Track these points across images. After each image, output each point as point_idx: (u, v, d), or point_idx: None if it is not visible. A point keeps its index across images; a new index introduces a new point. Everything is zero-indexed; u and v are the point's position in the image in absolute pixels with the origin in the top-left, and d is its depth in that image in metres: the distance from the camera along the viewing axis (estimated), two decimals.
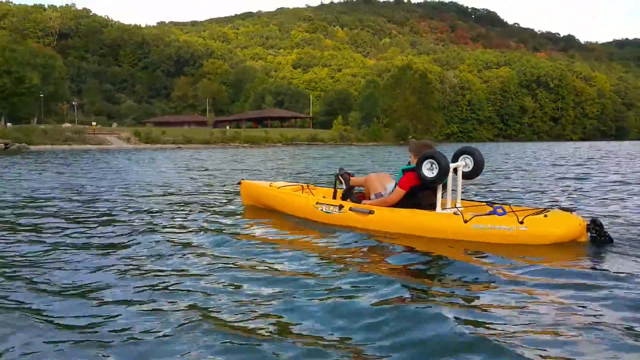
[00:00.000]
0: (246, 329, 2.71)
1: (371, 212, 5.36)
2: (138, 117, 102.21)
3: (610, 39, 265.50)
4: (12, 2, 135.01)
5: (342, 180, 6.34)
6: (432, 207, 5.24)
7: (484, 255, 4.27)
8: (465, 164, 5.32)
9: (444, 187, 5.23)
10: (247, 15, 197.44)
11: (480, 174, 5.44)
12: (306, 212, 6.14)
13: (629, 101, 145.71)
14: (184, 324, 2.75)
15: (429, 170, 4.93)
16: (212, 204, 7.97)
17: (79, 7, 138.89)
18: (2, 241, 5.04)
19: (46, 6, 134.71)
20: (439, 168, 4.86)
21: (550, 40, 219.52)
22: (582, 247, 4.54)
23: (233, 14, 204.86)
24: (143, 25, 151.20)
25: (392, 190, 5.47)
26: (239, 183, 7.59)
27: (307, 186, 7.12)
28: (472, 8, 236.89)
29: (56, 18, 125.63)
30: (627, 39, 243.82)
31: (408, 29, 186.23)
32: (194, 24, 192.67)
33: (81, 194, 9.43)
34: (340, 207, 5.67)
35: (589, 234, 4.62)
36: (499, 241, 4.60)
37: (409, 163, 5.46)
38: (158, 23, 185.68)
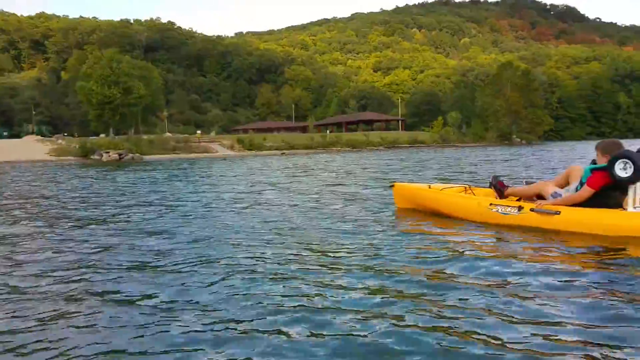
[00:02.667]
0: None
1: (557, 213, 5.19)
2: (223, 125, 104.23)
3: None
4: (98, 18, 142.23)
5: (497, 190, 6.26)
6: (618, 206, 5.17)
7: None
8: None
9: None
10: (323, 22, 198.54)
11: None
12: (479, 214, 5.93)
13: None
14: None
15: (622, 170, 4.89)
16: (367, 207, 7.67)
17: (164, 20, 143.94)
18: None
19: (132, 20, 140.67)
20: (634, 167, 4.80)
21: (637, 34, 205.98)
22: None
23: (308, 21, 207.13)
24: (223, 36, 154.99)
25: (578, 189, 5.33)
26: (392, 186, 7.51)
27: (469, 187, 6.82)
28: (551, 4, 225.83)
29: (143, 32, 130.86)
30: None
31: (487, 28, 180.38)
32: (270, 32, 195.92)
33: (268, 205, 8.53)
34: (520, 208, 5.49)
35: None
36: None
37: (594, 162, 5.34)
38: (236, 34, 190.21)
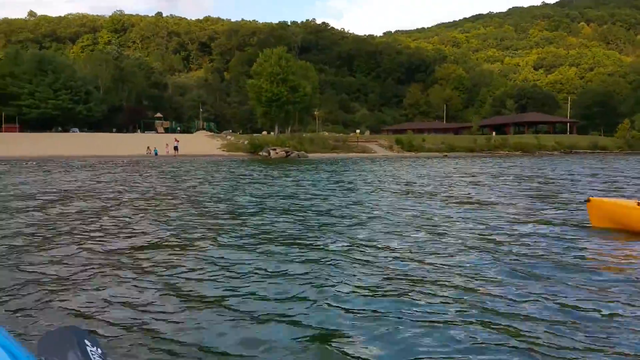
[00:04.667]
0: None
1: None
2: (371, 125, 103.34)
3: None
4: (258, 21, 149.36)
5: None
6: None
7: None
8: None
9: None
10: (477, 18, 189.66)
11: None
12: None
13: None
14: None
15: None
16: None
17: (319, 21, 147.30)
18: None
19: (289, 22, 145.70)
20: None
21: None
22: None
23: (461, 18, 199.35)
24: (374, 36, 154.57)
25: None
26: (587, 201, 6.64)
27: None
28: None
29: (298, 33, 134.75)
30: None
31: None
32: (420, 30, 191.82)
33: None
34: None
35: None
36: None
37: None
38: (385, 33, 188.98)
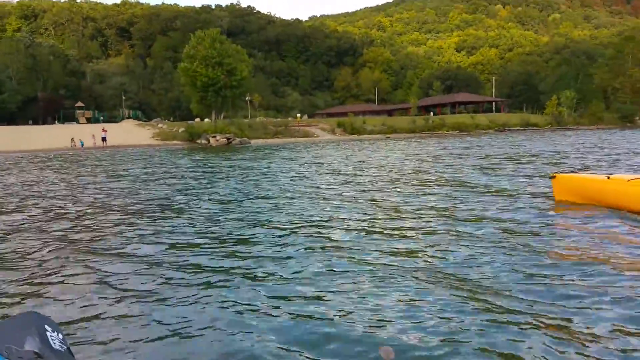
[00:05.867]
0: None
1: None
2: (303, 109, 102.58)
3: None
4: (179, 4, 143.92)
5: None
6: None
7: None
8: None
9: None
10: (399, 2, 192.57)
11: None
12: None
13: None
14: None
15: None
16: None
17: (244, 5, 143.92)
18: None
19: (213, 6, 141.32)
20: None
21: None
22: None
23: (384, 2, 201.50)
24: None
25: None
26: (552, 177, 6.62)
27: None
28: None
29: (224, 17, 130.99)
30: None
31: (578, 2, 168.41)
32: (345, 15, 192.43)
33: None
34: None
35: None
36: None
37: None
38: (310, 17, 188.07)
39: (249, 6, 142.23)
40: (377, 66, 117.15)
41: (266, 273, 4.07)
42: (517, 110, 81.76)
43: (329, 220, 6.07)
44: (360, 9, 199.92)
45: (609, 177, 6.06)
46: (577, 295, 3.31)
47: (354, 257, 4.31)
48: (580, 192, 6.19)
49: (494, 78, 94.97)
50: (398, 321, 3.00)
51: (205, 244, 5.16)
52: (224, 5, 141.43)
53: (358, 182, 10.28)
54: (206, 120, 51.26)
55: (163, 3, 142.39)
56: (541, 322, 2.92)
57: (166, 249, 4.99)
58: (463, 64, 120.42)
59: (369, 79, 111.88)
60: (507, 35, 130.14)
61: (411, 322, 2.97)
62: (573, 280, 3.61)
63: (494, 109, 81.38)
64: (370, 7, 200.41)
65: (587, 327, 2.84)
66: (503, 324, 2.91)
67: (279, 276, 3.96)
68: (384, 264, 4.10)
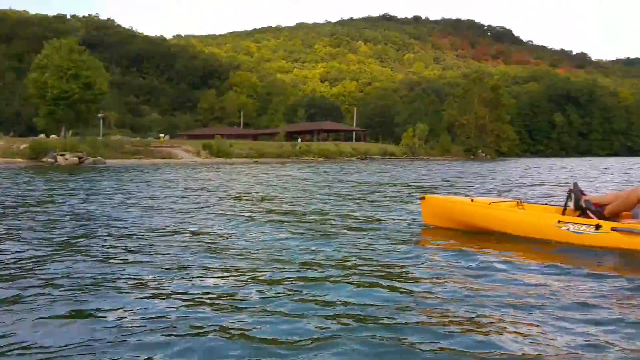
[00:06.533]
0: None
1: None
2: (162, 130, 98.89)
3: (613, 57, 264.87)
4: (28, 11, 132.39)
5: (576, 197, 5.51)
6: None
7: None
8: None
9: None
10: (267, 30, 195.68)
11: None
12: (541, 232, 5.37)
13: None
14: None
15: None
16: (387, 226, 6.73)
17: (103, 17, 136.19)
18: None
19: (68, 16, 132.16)
20: None
21: (566, 57, 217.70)
22: None
23: (252, 28, 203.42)
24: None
25: None
26: (422, 199, 6.54)
27: (520, 202, 6.18)
28: (489, 25, 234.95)
29: (80, 28, 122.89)
30: (628, 57, 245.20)
31: (429, 45, 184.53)
32: (213, 37, 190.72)
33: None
34: (598, 226, 4.97)
35: None
36: None
37: None
38: (175, 36, 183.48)
39: (108, 19, 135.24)
40: (243, 90, 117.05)
41: None
42: (372, 140, 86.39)
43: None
44: (229, 33, 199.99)
45: (472, 200, 6.27)
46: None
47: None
48: (446, 214, 6.32)
49: (355, 109, 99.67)
50: None
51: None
52: (80, 16, 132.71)
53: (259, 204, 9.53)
54: (52, 136, 46.61)
55: (10, 8, 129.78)
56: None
57: None
58: (326, 93, 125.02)
59: (234, 103, 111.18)
60: (367, 70, 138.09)
61: None
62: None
63: (354, 137, 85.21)
64: (238, 32, 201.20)
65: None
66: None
67: None
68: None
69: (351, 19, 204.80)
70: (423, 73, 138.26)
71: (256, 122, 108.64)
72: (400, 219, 7.39)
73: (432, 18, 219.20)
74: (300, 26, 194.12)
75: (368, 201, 10.35)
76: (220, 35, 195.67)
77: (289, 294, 3.54)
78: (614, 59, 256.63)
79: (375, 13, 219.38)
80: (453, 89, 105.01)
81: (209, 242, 5.60)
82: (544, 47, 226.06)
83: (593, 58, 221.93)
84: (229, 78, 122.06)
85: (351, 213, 8.21)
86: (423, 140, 74.20)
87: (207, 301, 3.43)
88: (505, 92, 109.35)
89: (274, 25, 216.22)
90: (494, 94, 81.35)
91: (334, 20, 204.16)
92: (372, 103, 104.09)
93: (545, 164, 45.24)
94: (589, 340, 2.71)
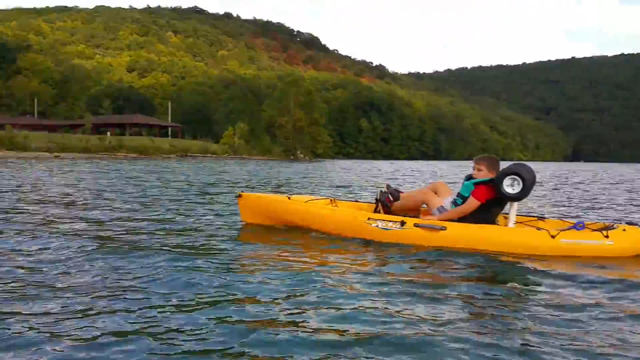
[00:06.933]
0: None
1: (444, 229, 5.10)
2: None
3: (406, 71, 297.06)
4: None
5: (391, 199, 5.85)
6: (493, 222, 5.34)
7: (576, 269, 4.31)
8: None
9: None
10: (62, 9, 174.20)
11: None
12: (353, 229, 5.59)
13: (442, 126, 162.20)
14: None
15: (509, 187, 5.00)
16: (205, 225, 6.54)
17: None
18: None
19: None
20: (523, 184, 4.95)
21: (367, 68, 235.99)
22: None
23: (44, 6, 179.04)
24: None
25: (459, 203, 5.38)
26: (239, 196, 6.43)
27: (334, 200, 6.45)
28: (298, 31, 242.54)
29: None
30: (418, 72, 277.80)
31: (243, 44, 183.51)
32: None
33: None
34: (403, 223, 5.26)
35: None
36: (587, 255, 4.74)
37: (472, 177, 5.41)
38: None
39: None
40: (36, 75, 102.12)
41: None
42: (190, 138, 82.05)
43: None
44: (14, 8, 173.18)
45: (289, 198, 6.23)
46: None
47: None
48: (264, 212, 6.28)
49: (169, 103, 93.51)
50: None
51: None
52: None
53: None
54: None
55: None
56: None
57: None
58: (135, 85, 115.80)
59: (24, 89, 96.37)
60: (179, 63, 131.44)
61: None
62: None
63: (170, 134, 79.74)
64: (26, 8, 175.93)
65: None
66: None
67: None
68: None
69: (159, 7, 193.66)
70: (239, 71, 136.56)
71: (54, 111, 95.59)
72: (219, 218, 7.17)
73: (243, 17, 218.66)
74: (101, 9, 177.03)
75: (187, 202, 9.50)
76: (3, 10, 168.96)
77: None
78: (407, 72, 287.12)
79: (184, 4, 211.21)
80: (270, 90, 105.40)
81: None
82: (349, 56, 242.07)
83: (390, 70, 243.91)
84: (17, 61, 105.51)
85: (166, 217, 7.34)
86: (244, 139, 72.63)
87: None
88: (318, 96, 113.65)
89: (70, 5, 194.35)
90: (309, 98, 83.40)
91: (139, 6, 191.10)
92: (188, 98, 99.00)
93: (356, 165, 49.22)
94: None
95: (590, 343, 2.67)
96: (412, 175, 26.81)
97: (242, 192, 6.62)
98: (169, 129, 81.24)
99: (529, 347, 2.59)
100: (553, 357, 2.51)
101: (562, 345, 2.64)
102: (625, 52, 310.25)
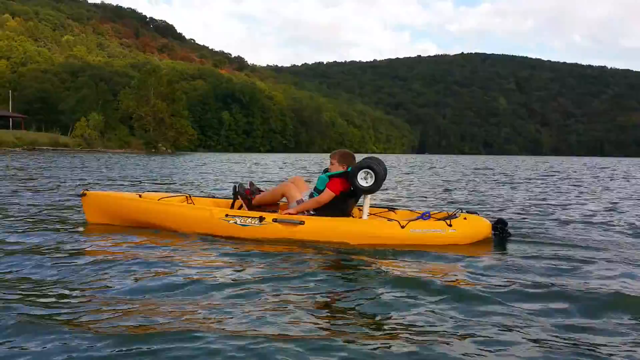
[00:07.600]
0: None
1: (302, 223, 5.14)
2: None
3: (264, 64, 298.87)
4: None
5: (249, 196, 5.94)
6: (348, 214, 5.60)
7: (423, 256, 4.62)
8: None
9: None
10: None
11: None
12: (210, 226, 5.44)
13: (302, 119, 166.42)
14: None
15: (363, 180, 5.15)
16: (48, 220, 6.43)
17: None
18: None
19: None
20: (376, 178, 5.11)
21: (226, 59, 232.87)
22: (490, 242, 5.35)
23: None
24: None
25: (315, 196, 5.52)
26: (82, 195, 6.09)
27: (190, 197, 6.33)
28: (151, 18, 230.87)
29: None
30: (276, 65, 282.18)
31: (91, 29, 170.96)
32: None
33: None
34: (261, 218, 5.25)
35: (493, 231, 5.44)
36: (434, 243, 4.99)
37: (327, 170, 5.60)
38: None
39: None
40: None
41: None
42: (34, 129, 75.64)
43: None
44: None
45: (140, 196, 6.00)
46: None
47: None
48: (112, 211, 5.94)
49: (10, 92, 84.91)
50: None
51: None
52: None
53: None
54: None
55: None
56: None
57: None
58: None
59: None
60: (19, 48, 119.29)
61: None
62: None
63: (11, 125, 72.74)
64: None
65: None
66: None
67: None
68: None
69: None
70: (86, 58, 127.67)
71: None
72: (64, 217, 6.63)
73: (90, 1, 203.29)
74: None
75: (25, 202, 8.44)
76: None
77: None
78: (265, 65, 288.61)
79: None
80: (122, 78, 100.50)
81: None
82: (206, 46, 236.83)
83: (249, 62, 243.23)
84: None
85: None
86: (99, 131, 68.65)
87: None
88: (177, 87, 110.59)
89: None
90: (170, 89, 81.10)
91: None
92: (30, 87, 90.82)
93: (219, 158, 48.19)
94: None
95: (424, 323, 2.93)
96: (271, 168, 27.17)
97: (86, 190, 6.25)
98: (10, 119, 74.07)
99: (372, 332, 2.82)
100: (394, 330, 2.81)
101: (399, 324, 2.92)
102: (465, 52, 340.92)
